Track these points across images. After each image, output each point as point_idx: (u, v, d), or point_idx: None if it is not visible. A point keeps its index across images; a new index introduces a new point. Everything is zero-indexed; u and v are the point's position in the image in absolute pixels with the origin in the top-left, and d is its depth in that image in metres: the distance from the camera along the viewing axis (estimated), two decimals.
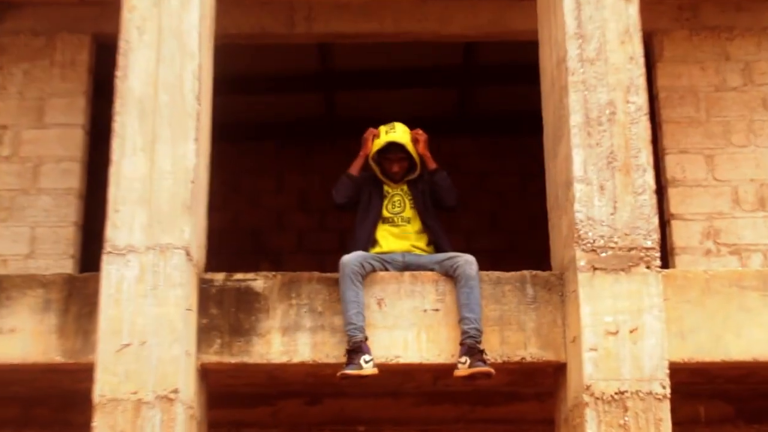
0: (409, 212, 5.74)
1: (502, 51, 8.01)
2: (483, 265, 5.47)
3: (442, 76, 8.65)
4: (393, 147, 5.75)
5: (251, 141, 9.57)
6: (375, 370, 5.21)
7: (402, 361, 5.33)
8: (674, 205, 6.71)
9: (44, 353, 5.35)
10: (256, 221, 9.45)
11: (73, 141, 6.89)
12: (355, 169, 5.79)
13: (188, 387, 5.17)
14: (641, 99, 5.37)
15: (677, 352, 5.28)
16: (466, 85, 8.82)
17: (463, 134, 9.35)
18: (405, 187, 5.81)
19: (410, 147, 5.79)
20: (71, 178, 6.84)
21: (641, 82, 5.39)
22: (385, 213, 5.75)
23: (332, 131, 9.55)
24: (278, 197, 9.55)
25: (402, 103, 8.73)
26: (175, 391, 5.02)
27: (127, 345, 5.08)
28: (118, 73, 5.41)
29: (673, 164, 6.76)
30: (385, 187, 5.80)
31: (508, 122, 9.21)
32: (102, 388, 5.03)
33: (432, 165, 5.80)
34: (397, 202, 5.76)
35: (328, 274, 5.46)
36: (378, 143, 5.79)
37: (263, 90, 8.81)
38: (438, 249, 5.70)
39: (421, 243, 5.73)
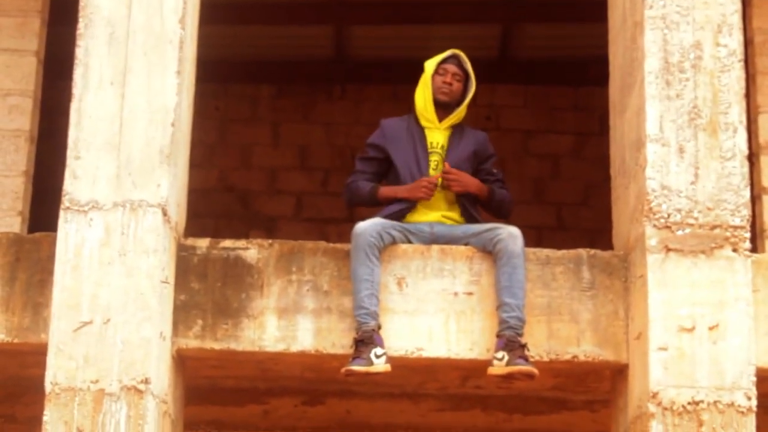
0: None
1: None
2: (525, 244, 5.44)
3: (481, 9, 8.60)
4: (450, 61, 5.79)
5: (242, 83, 9.59)
6: (387, 367, 5.23)
7: (425, 354, 5.35)
8: (767, 177, 6.67)
9: None
10: (246, 181, 9.48)
11: (24, 71, 6.88)
12: (384, 197, 5.69)
13: (161, 377, 5.17)
14: (735, 41, 5.34)
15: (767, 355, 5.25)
16: (511, 21, 8.77)
17: (505, 82, 9.34)
18: (445, 141, 5.73)
19: (470, 68, 5.79)
20: (21, 117, 6.84)
21: (736, 20, 5.36)
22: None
23: (342, 75, 9.53)
24: (274, 153, 9.57)
25: (429, 42, 8.63)
26: (145, 381, 5.03)
27: (88, 323, 5.09)
28: None
29: None
30: (428, 138, 5.73)
31: (561, 68, 9.18)
32: (55, 374, 5.04)
33: (483, 193, 5.72)
34: (433, 162, 5.71)
35: (338, 245, 5.47)
36: (437, 57, 5.79)
37: (259, 20, 8.78)
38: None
39: (454, 214, 5.72)
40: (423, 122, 5.76)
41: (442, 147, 5.74)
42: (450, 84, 5.74)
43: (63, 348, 5.05)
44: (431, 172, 5.69)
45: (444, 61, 5.78)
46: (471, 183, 5.67)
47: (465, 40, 8.72)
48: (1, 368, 5.95)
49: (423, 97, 5.76)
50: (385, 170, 5.77)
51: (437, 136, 5.76)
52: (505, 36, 9.02)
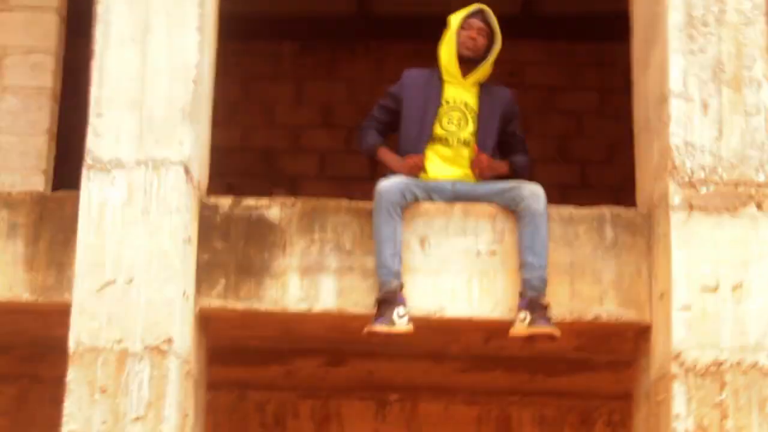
0: (468, 134, 5.67)
1: None
2: (549, 202, 5.44)
3: None
4: (476, 16, 5.78)
5: (265, 41, 9.53)
6: (410, 328, 5.25)
7: (448, 314, 5.35)
8: None
9: (9, 289, 5.37)
10: (269, 139, 9.46)
11: (46, 28, 6.86)
12: (380, 159, 5.74)
13: (184, 337, 5.19)
14: None
15: None
16: None
17: (529, 38, 9.24)
18: (472, 98, 5.71)
19: (495, 24, 5.76)
20: (43, 74, 6.82)
21: None
22: (439, 130, 5.68)
23: (364, 32, 9.48)
24: (297, 111, 9.53)
25: None
26: (168, 341, 5.05)
27: (111, 282, 5.11)
28: None
29: None
30: (446, 93, 5.71)
31: (585, 24, 9.10)
32: (79, 334, 5.07)
33: (505, 170, 5.76)
34: (455, 118, 5.69)
35: (360, 204, 5.46)
36: (463, 11, 5.78)
37: None
38: None
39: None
40: (446, 77, 5.74)
41: (466, 104, 5.72)
42: (474, 39, 5.72)
43: (86, 307, 5.07)
44: (451, 127, 5.66)
45: (469, 15, 5.75)
46: (500, 167, 5.72)
47: None
48: (25, 328, 5.98)
49: (447, 51, 5.74)
50: (398, 121, 5.75)
51: (461, 93, 5.74)
52: None
